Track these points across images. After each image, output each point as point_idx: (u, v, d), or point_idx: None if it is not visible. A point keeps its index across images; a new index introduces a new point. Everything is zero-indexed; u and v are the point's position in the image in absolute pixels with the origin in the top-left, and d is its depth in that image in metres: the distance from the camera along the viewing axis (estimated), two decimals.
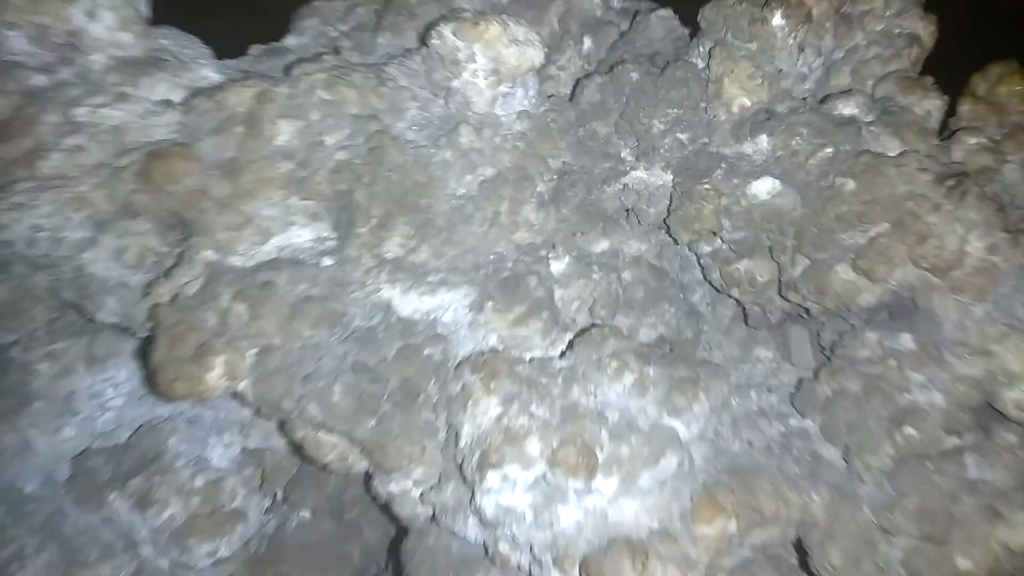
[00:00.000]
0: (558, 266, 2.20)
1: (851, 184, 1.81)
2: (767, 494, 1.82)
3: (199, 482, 2.10)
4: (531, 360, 1.83)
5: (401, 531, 2.08)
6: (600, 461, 1.63)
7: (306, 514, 2.42)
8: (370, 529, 2.56)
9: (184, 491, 2.09)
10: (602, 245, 2.30)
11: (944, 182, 1.72)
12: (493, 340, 1.99)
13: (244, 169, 2.01)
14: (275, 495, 2.44)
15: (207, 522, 2.07)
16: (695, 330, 2.33)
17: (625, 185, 2.24)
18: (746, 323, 2.32)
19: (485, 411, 1.69)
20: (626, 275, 2.28)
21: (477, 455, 1.66)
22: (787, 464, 1.90)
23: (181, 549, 2.06)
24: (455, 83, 2.05)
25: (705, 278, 2.33)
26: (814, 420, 1.95)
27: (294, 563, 2.38)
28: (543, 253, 2.15)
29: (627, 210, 2.31)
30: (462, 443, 1.71)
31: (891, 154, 1.84)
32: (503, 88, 2.08)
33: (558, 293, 2.17)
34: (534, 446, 1.64)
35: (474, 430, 1.69)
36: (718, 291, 2.32)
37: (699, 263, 2.30)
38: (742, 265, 2.11)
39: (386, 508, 2.05)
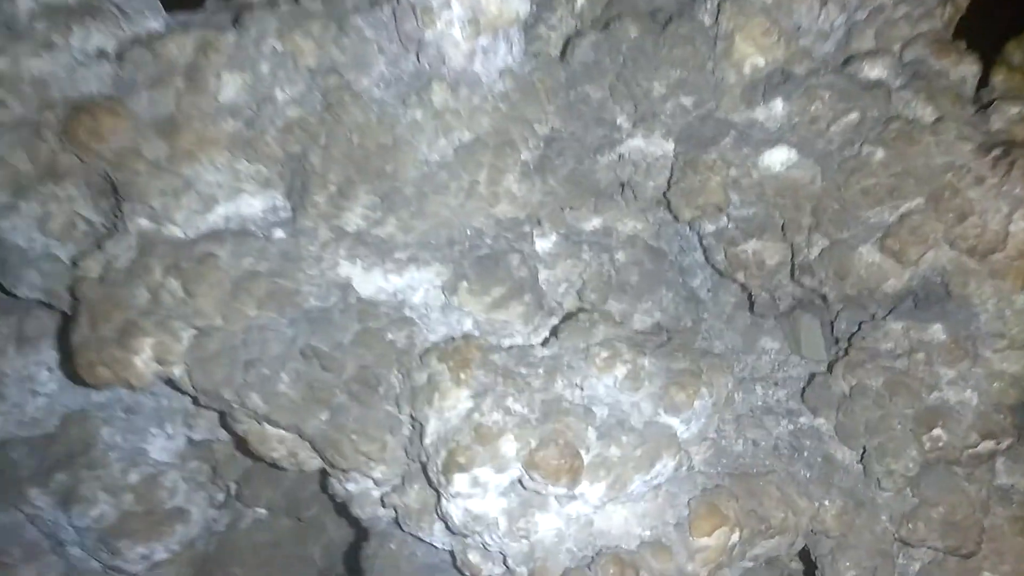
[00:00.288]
0: (544, 244, 1.97)
1: (880, 153, 1.58)
2: (774, 500, 1.61)
3: (133, 478, 1.87)
4: (509, 348, 1.60)
5: (362, 533, 1.86)
6: (585, 464, 1.41)
7: (261, 511, 2.20)
8: (335, 527, 2.34)
9: (115, 488, 1.85)
10: (594, 222, 2.06)
11: (989, 152, 1.50)
12: (468, 325, 1.76)
13: (183, 127, 1.77)
14: (228, 489, 2.21)
15: (141, 522, 1.84)
16: (695, 318, 2.11)
17: (621, 155, 2.01)
18: (751, 311, 2.09)
19: (454, 405, 1.46)
20: (620, 256, 2.05)
21: (443, 455, 1.44)
22: (796, 467, 1.69)
23: (111, 552, 1.83)
24: (428, 34, 1.80)
25: (707, 261, 2.10)
26: (828, 419, 1.74)
27: (247, 564, 2.16)
28: (527, 229, 1.92)
29: (622, 184, 2.07)
30: (427, 441, 1.48)
31: (926, 121, 1.61)
32: (483, 41, 1.83)
33: (543, 274, 1.94)
34: (509, 446, 1.41)
35: (441, 427, 1.47)
36: (721, 275, 2.10)
37: (701, 244, 2.07)
38: (750, 246, 1.88)
39: (345, 508, 1.83)
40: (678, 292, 2.08)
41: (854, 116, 1.66)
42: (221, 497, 2.20)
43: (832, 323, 2.00)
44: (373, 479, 1.63)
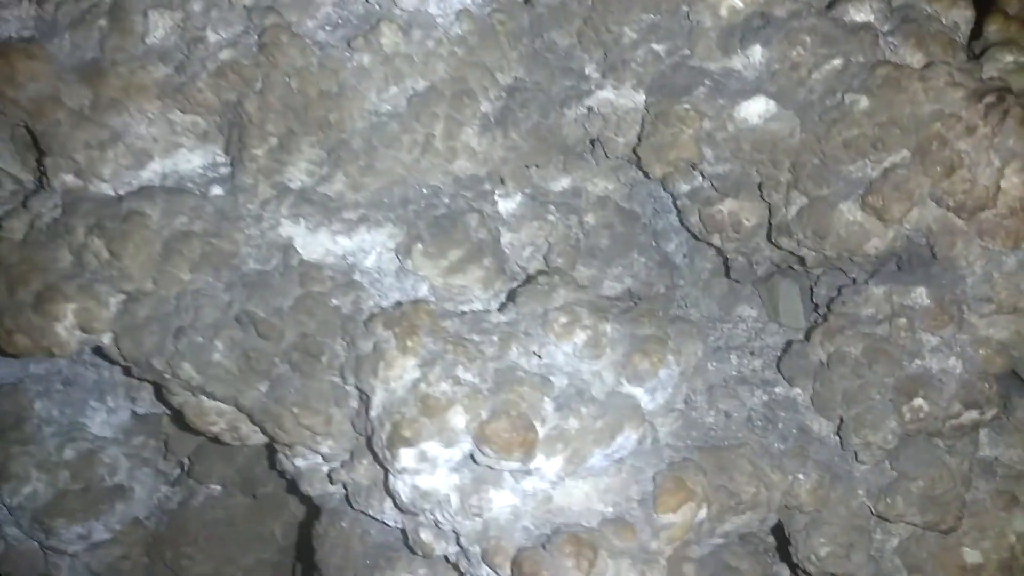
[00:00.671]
0: (507, 205, 1.84)
1: (864, 102, 1.46)
2: (745, 475, 1.52)
3: (69, 454, 1.75)
4: (463, 314, 1.48)
5: (314, 511, 1.76)
6: (541, 436, 1.31)
7: (215, 488, 2.09)
8: (296, 504, 2.25)
9: (49, 464, 1.74)
10: (561, 182, 1.93)
11: (982, 99, 1.38)
12: (424, 290, 1.64)
13: (108, 73, 1.61)
14: (182, 466, 2.10)
15: (77, 501, 1.73)
16: (669, 284, 2.00)
17: (590, 108, 1.87)
18: (728, 276, 1.98)
19: (400, 375, 1.35)
20: (589, 218, 1.93)
21: (388, 428, 1.33)
22: (770, 439, 1.60)
23: (45, 531, 1.72)
24: None
25: (682, 224, 1.98)
26: (804, 389, 1.64)
27: (200, 543, 2.06)
28: (488, 188, 1.78)
29: (592, 140, 1.94)
30: (372, 413, 1.37)
31: (915, 66, 1.48)
32: None
33: (506, 237, 1.82)
34: (458, 418, 1.31)
35: (386, 398, 1.36)
36: (697, 239, 1.98)
37: (675, 205, 1.95)
38: (726, 206, 1.76)
39: (295, 486, 1.73)
40: (651, 257, 1.96)
41: (837, 62, 1.53)
42: (174, 473, 2.09)
43: (812, 289, 1.90)
44: (320, 454, 1.53)
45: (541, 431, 1.31)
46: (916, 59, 1.56)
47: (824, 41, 1.56)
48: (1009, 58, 1.67)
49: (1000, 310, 1.46)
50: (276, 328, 1.46)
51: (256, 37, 1.60)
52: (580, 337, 1.38)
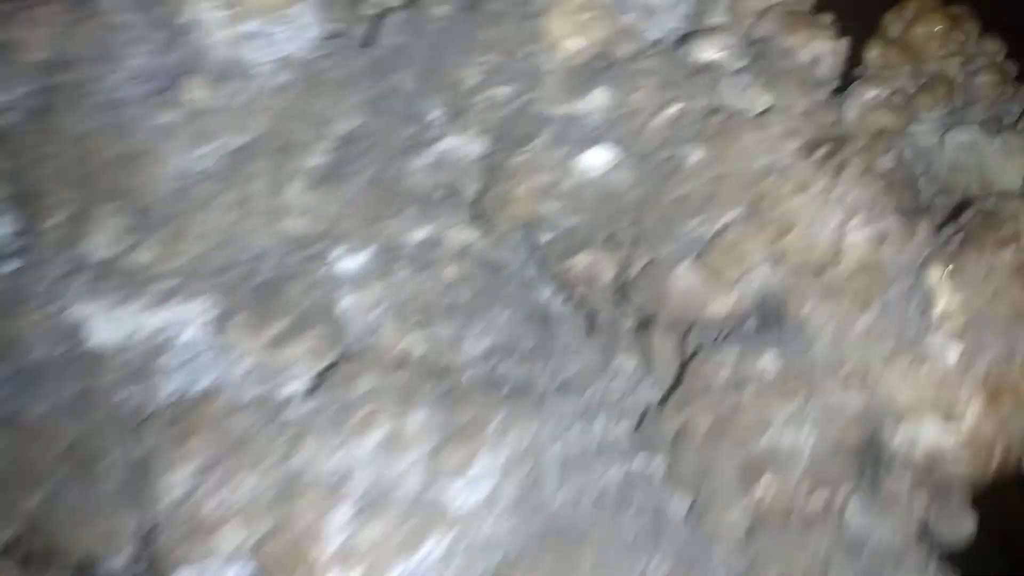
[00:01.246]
0: (350, 263, 1.69)
1: (697, 154, 1.33)
2: (590, 566, 1.38)
3: None
4: (257, 405, 1.33)
5: None
6: (329, 553, 1.16)
7: None
8: None
9: None
10: (417, 234, 1.79)
11: (813, 151, 1.25)
12: (245, 367, 1.49)
13: None
14: None
15: None
16: (540, 337, 1.86)
17: (438, 156, 1.73)
18: (595, 329, 1.85)
19: (172, 486, 1.20)
20: (448, 272, 1.78)
21: (159, 548, 1.17)
22: (622, 521, 1.46)
23: None
24: (182, 17, 1.50)
25: (549, 273, 1.84)
26: (661, 462, 1.51)
27: None
28: (323, 246, 1.64)
29: (450, 188, 1.80)
30: (147, 530, 1.21)
31: (751, 113, 1.36)
32: (251, 26, 1.53)
33: (350, 298, 1.66)
34: (233, 537, 1.16)
35: (159, 512, 1.20)
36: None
37: (540, 255, 1.82)
38: (579, 260, 1.63)
39: None
40: (517, 310, 1.82)
41: (675, 108, 1.40)
42: None
43: (685, 336, 1.77)
44: (112, 572, 1.37)
45: (332, 544, 1.17)
46: (764, 101, 1.44)
47: (664, 84, 1.44)
48: (871, 93, 1.56)
49: (853, 376, 1.33)
50: (50, 430, 1.30)
51: (39, 99, 1.44)
52: (381, 431, 1.24)
